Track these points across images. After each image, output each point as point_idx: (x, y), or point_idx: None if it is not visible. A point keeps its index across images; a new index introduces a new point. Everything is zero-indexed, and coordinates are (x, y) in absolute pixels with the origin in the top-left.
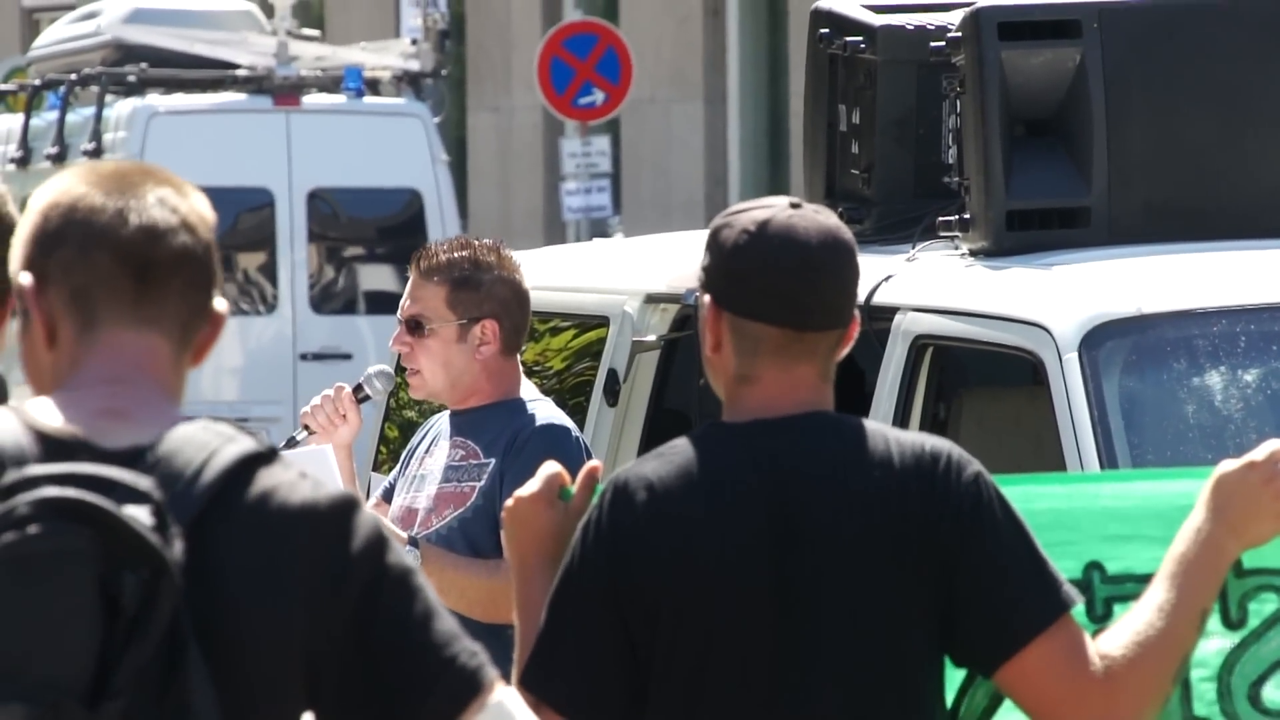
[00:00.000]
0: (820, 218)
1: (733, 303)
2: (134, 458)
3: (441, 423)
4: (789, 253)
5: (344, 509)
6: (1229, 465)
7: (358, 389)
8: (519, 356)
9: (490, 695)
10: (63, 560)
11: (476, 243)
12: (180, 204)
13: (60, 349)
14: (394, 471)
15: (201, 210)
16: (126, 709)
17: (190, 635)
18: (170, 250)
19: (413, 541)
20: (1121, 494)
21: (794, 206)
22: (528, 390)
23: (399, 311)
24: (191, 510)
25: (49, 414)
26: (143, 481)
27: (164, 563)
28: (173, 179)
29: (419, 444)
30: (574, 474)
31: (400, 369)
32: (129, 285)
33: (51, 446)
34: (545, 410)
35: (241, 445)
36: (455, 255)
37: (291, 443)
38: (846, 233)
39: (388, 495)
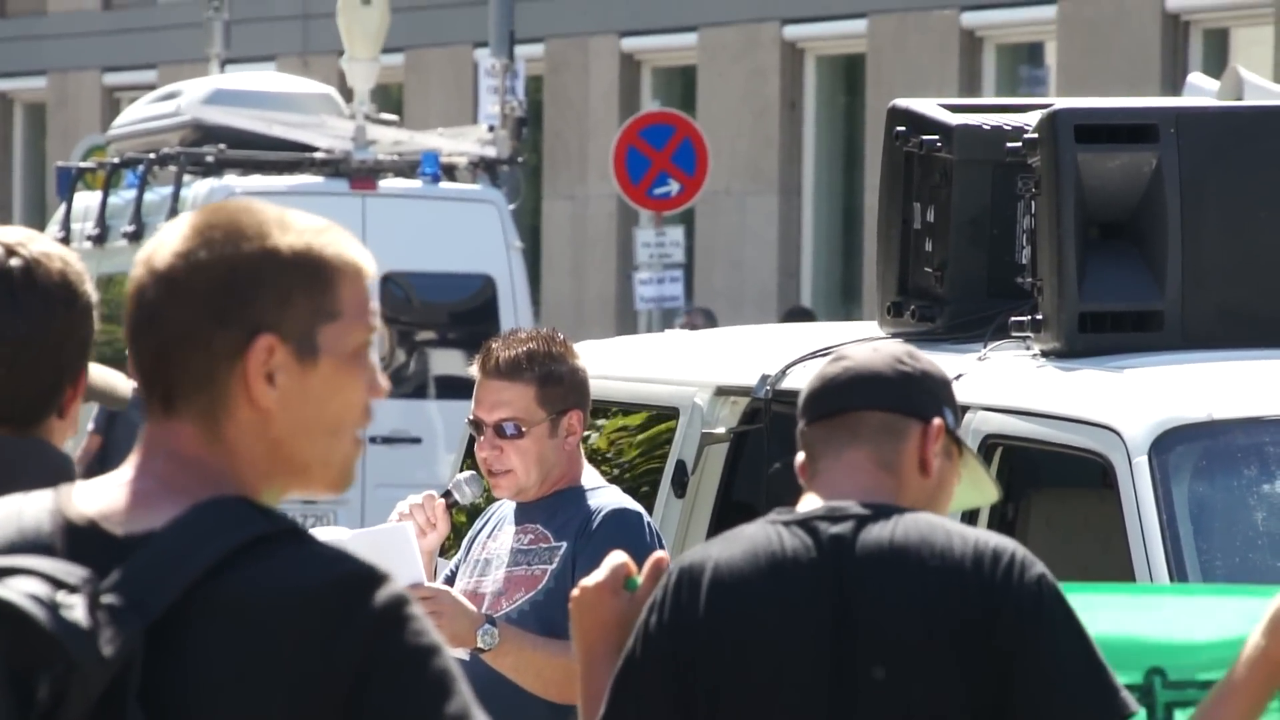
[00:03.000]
0: (874, 345)
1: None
2: (137, 545)
3: (504, 509)
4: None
5: (347, 590)
6: None
7: (447, 494)
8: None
9: None
10: None
11: (539, 334)
12: (171, 268)
13: None
14: (456, 557)
15: (213, 261)
16: None
17: None
18: (150, 344)
19: (490, 620)
20: (1186, 605)
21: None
22: (590, 476)
23: (475, 418)
24: (162, 602)
25: (89, 496)
26: (75, 574)
27: (72, 661)
28: (209, 226)
29: (481, 529)
30: (643, 561)
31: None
32: (140, 375)
33: (67, 531)
34: (614, 495)
35: (248, 529)
36: (533, 351)
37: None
38: (880, 348)
39: (449, 581)
